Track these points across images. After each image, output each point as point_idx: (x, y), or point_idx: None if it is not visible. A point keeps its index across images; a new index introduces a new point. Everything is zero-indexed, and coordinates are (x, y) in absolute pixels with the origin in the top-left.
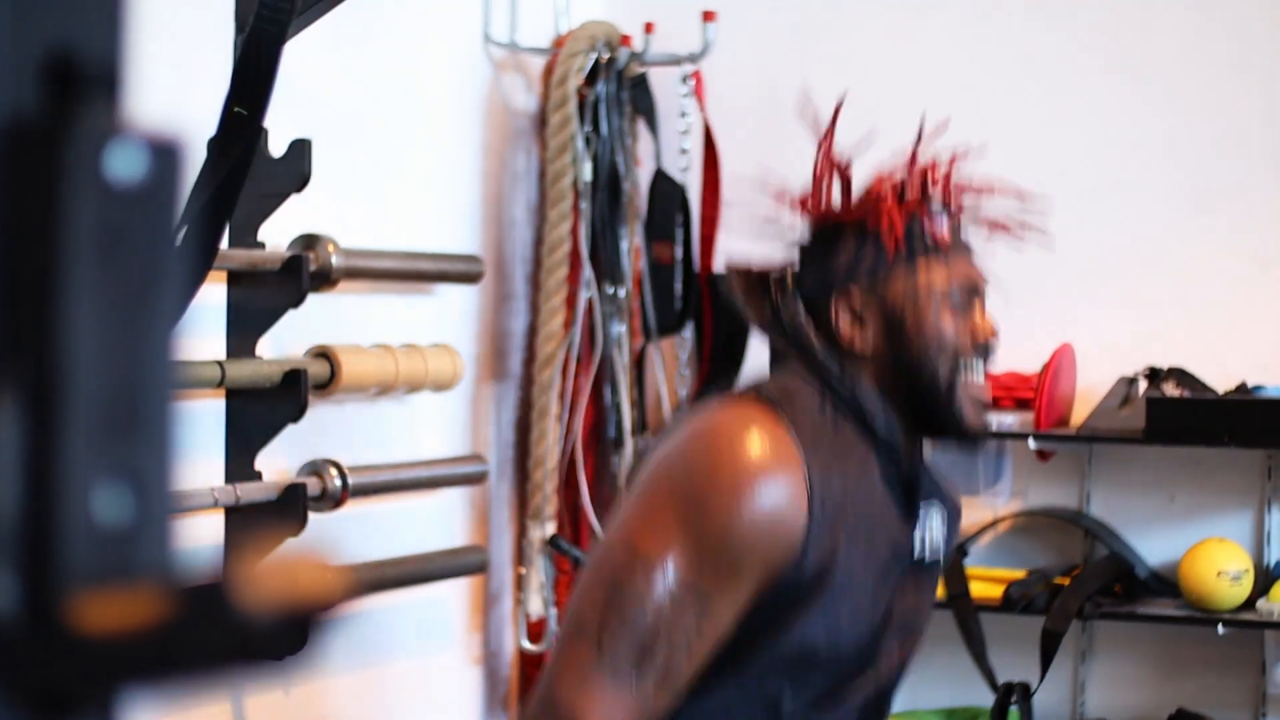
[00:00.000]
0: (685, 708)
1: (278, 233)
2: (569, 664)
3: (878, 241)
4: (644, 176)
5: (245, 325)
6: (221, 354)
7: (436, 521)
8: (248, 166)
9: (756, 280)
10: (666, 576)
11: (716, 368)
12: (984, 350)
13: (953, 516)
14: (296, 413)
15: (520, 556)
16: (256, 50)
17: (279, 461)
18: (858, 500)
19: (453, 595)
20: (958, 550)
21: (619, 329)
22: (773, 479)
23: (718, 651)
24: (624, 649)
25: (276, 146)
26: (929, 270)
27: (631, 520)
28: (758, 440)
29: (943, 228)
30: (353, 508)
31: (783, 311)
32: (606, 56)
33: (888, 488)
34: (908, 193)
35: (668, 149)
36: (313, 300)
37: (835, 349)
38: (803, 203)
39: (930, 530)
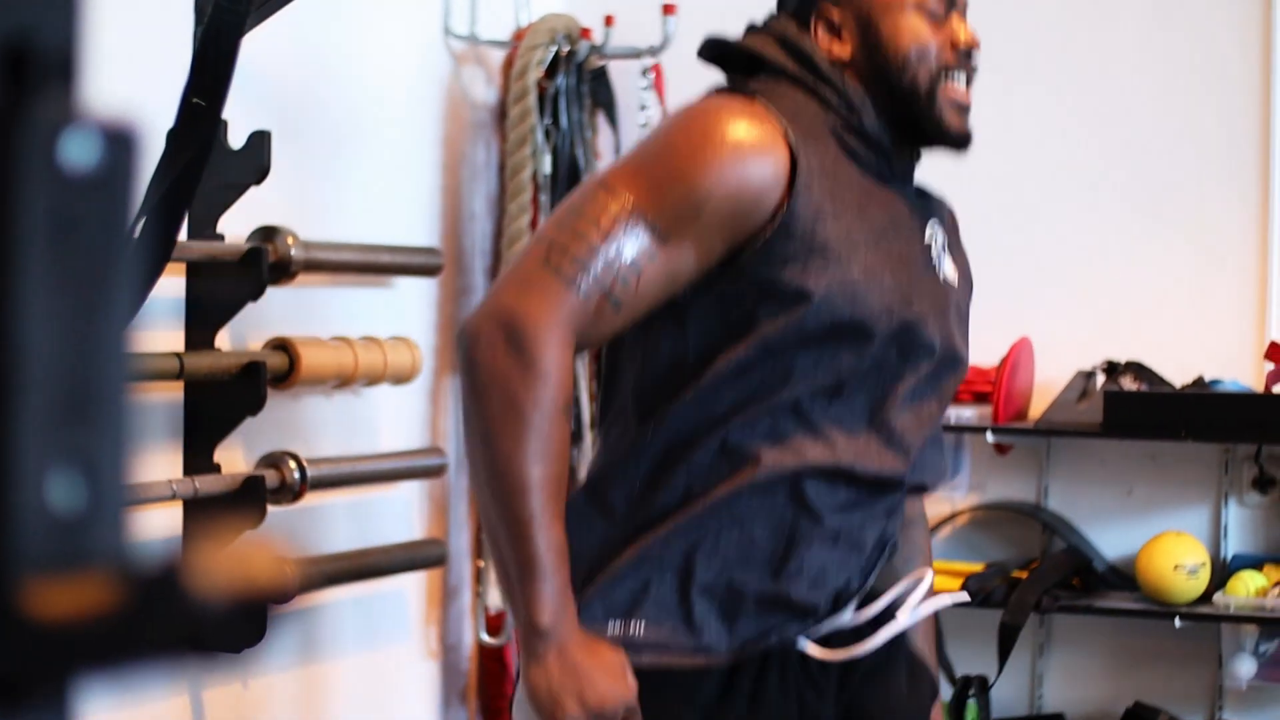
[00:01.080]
0: (731, 388)
1: (237, 224)
2: (516, 271)
3: None
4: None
5: (204, 317)
6: (180, 346)
7: (396, 514)
8: (206, 158)
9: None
10: (626, 205)
11: None
12: (964, 58)
13: (953, 231)
14: (255, 405)
15: (479, 549)
16: (215, 42)
17: (238, 454)
18: (843, 174)
19: (412, 588)
20: None
21: None
22: (753, 138)
23: (746, 339)
24: (569, 262)
25: (236, 138)
26: None
27: (612, 166)
28: (742, 111)
29: None
30: (312, 500)
31: (768, 28)
32: (566, 49)
33: (880, 181)
34: None
35: (628, 142)
36: (272, 292)
37: (817, 68)
38: None
39: (938, 239)
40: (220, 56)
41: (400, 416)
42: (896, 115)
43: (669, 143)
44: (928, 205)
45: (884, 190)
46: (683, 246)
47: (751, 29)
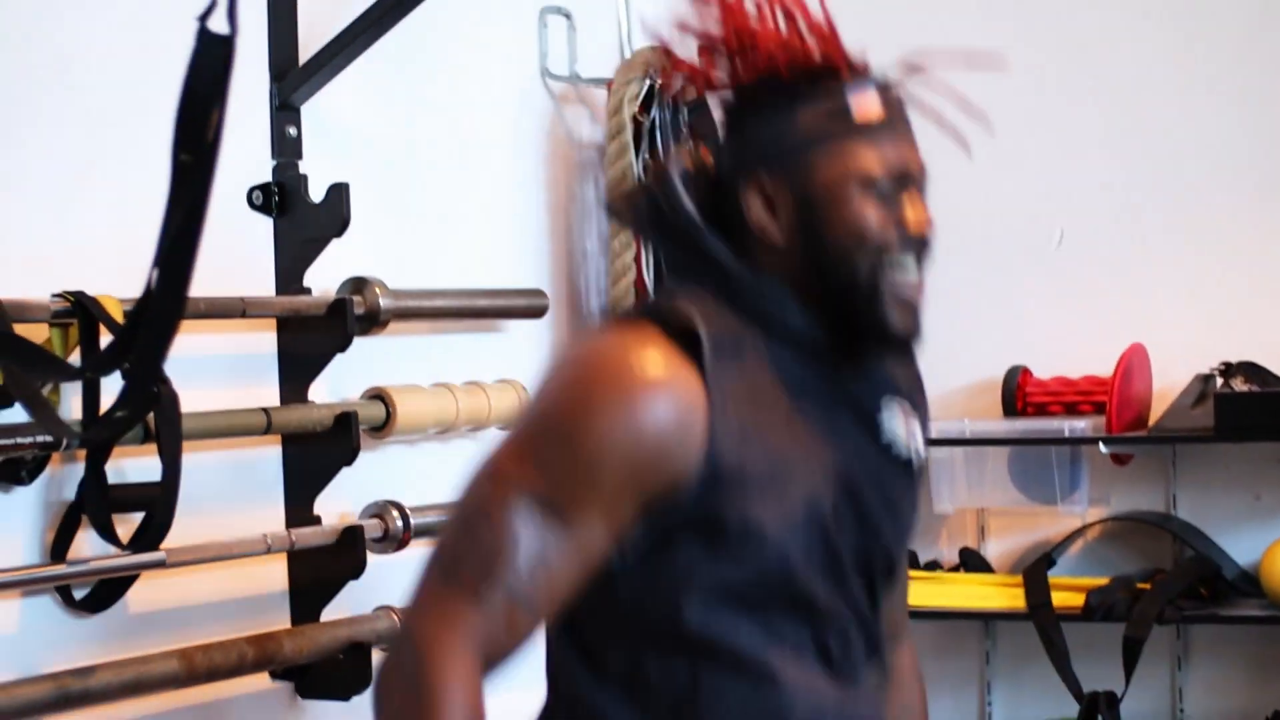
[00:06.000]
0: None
1: (339, 277)
2: (420, 590)
3: (794, 115)
4: None
5: (296, 371)
6: (275, 400)
7: None
8: (202, 213)
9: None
10: (517, 493)
11: None
12: (916, 245)
13: (916, 404)
14: (350, 455)
15: None
16: (192, 94)
17: (344, 505)
18: (771, 434)
19: None
20: (1044, 559)
21: None
22: (655, 395)
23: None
24: (469, 572)
25: (317, 191)
26: (852, 151)
27: (500, 445)
28: (644, 357)
29: (873, 101)
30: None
31: (667, 201)
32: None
33: (825, 401)
34: (832, 55)
35: None
36: (370, 342)
37: (746, 244)
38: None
39: (895, 425)
40: (199, 112)
41: None
42: (830, 308)
43: (547, 408)
44: (880, 384)
45: (827, 412)
46: (588, 522)
47: (666, 197)
